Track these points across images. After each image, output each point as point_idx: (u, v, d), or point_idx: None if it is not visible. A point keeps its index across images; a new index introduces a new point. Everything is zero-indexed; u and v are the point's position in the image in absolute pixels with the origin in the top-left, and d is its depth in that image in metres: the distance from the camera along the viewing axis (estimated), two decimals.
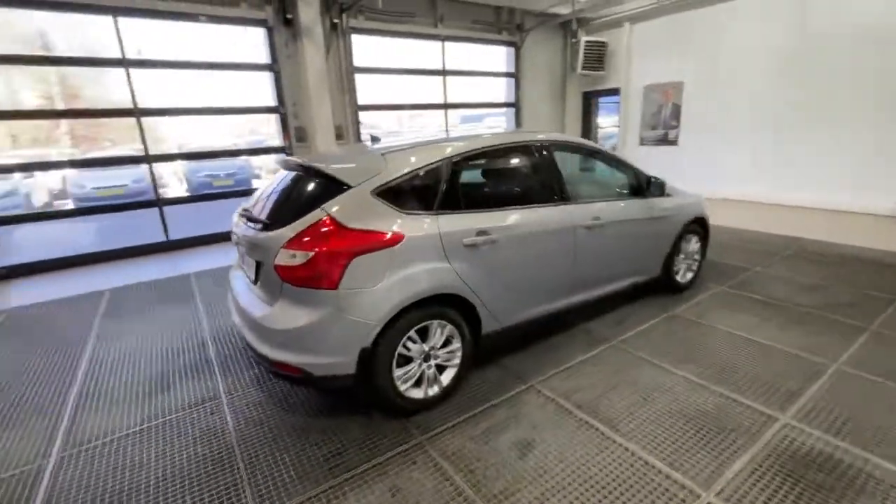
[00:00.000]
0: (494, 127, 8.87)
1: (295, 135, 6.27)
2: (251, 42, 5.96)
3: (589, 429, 2.26)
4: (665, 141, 7.57)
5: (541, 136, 2.94)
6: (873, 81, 5.12)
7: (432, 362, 2.42)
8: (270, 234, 2.18)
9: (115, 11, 4.96)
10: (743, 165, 6.47)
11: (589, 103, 9.05)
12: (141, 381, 2.85)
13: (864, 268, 4.49)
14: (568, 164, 3.10)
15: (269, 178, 2.78)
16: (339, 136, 6.48)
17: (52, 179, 8.56)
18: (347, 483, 1.97)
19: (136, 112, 5.32)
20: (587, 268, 3.05)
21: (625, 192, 3.43)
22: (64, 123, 7.29)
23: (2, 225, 5.02)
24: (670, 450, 2.09)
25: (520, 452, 2.11)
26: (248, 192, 5.64)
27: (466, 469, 2.02)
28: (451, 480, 1.96)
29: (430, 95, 7.63)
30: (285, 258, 2.07)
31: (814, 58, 5.55)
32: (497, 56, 8.30)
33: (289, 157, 2.73)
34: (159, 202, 5.72)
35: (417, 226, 2.26)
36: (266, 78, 6.12)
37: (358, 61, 6.64)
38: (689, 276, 3.95)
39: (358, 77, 6.69)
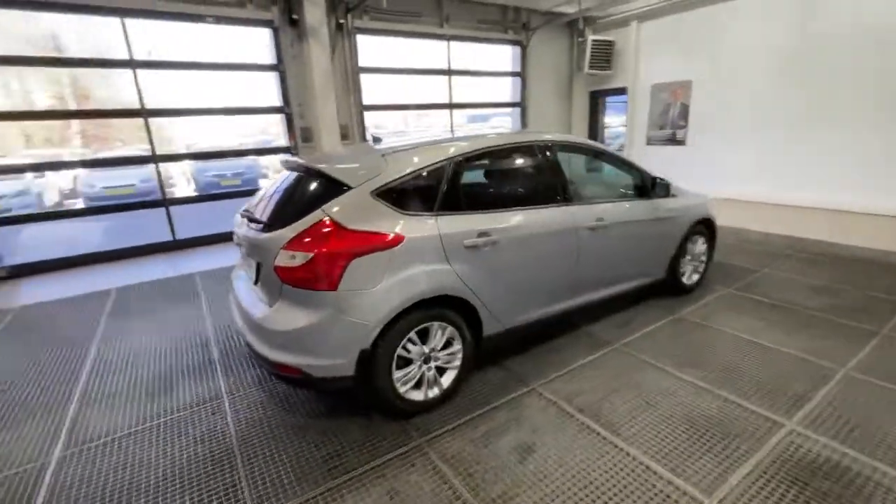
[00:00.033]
0: (500, 127, 8.84)
1: (300, 135, 6.29)
2: (257, 42, 5.99)
3: (590, 433, 2.23)
4: (673, 141, 7.48)
5: (543, 137, 2.92)
6: (884, 81, 5.03)
7: (432, 364, 2.41)
8: (270, 234, 2.18)
9: (123, 13, 5.01)
10: (753, 165, 6.38)
11: (596, 103, 8.98)
12: (144, 380, 2.87)
13: (871, 269, 4.41)
14: (572, 164, 3.07)
15: (276, 177, 2.78)
16: (344, 137, 6.49)
17: (64, 179, 8.69)
18: (345, 485, 1.97)
19: (144, 112, 5.37)
20: (590, 270, 3.02)
21: (629, 192, 3.40)
22: (75, 123, 7.40)
23: (13, 224, 5.10)
24: (673, 455, 2.06)
25: (519, 456, 2.09)
26: (255, 192, 5.66)
27: (465, 472, 2.01)
28: (449, 484, 1.95)
29: (435, 95, 7.62)
30: (285, 259, 2.07)
31: (822, 57, 5.46)
32: (503, 55, 8.27)
33: (290, 158, 2.73)
34: (166, 202, 5.77)
35: (418, 227, 2.25)
36: (272, 78, 6.14)
37: (363, 61, 6.65)
38: (696, 277, 3.90)
39: (363, 77, 6.70)
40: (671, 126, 7.46)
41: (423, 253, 2.25)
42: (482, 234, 2.43)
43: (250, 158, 8.32)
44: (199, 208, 6.13)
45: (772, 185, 6.12)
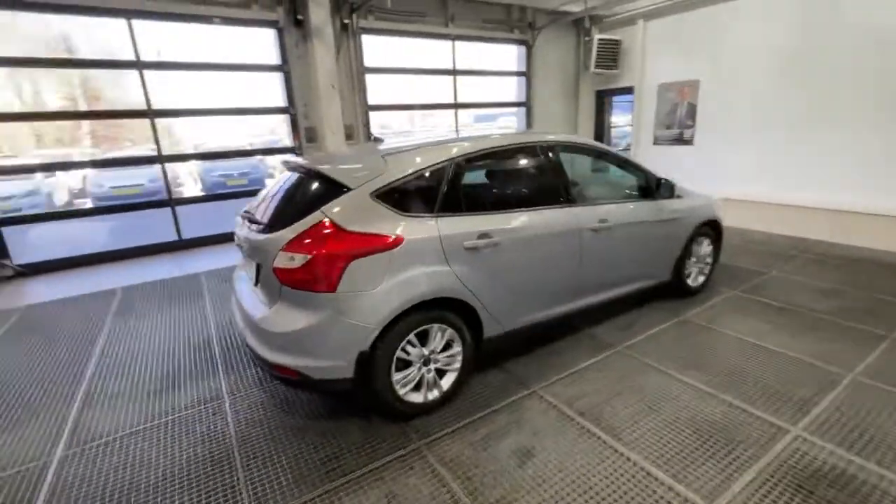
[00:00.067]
0: (506, 126, 8.81)
1: (305, 135, 6.31)
2: (262, 43, 6.01)
3: (591, 437, 2.21)
4: (680, 140, 7.41)
5: (544, 137, 2.89)
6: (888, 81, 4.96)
7: (432, 366, 2.39)
8: (269, 236, 2.18)
9: (130, 14, 5.05)
10: (760, 165, 6.30)
11: (602, 102, 8.92)
12: (147, 379, 2.89)
13: (878, 271, 4.33)
14: (575, 165, 3.05)
15: (278, 178, 2.78)
16: (349, 137, 6.50)
17: (73, 178, 8.79)
18: (343, 488, 1.96)
19: (150, 113, 5.42)
20: (593, 271, 2.99)
21: (634, 193, 3.36)
22: (85, 124, 7.48)
23: (21, 224, 5.16)
24: (674, 461, 2.03)
25: (519, 460, 2.08)
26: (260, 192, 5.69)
27: (464, 476, 2.00)
28: (447, 488, 1.94)
29: (440, 95, 7.61)
30: (283, 261, 2.07)
31: (827, 57, 5.39)
32: (508, 55, 8.23)
33: (290, 159, 2.73)
34: (171, 202, 5.81)
35: (417, 228, 2.23)
36: (276, 79, 6.16)
37: (368, 61, 6.65)
38: (701, 279, 3.85)
39: (368, 77, 6.70)
40: (678, 126, 7.39)
41: (423, 254, 2.24)
42: (483, 235, 2.41)
43: (256, 158, 8.35)
44: (204, 208, 6.17)
45: (780, 186, 6.05)
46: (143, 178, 7.37)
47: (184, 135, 8.67)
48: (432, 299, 2.27)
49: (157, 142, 5.51)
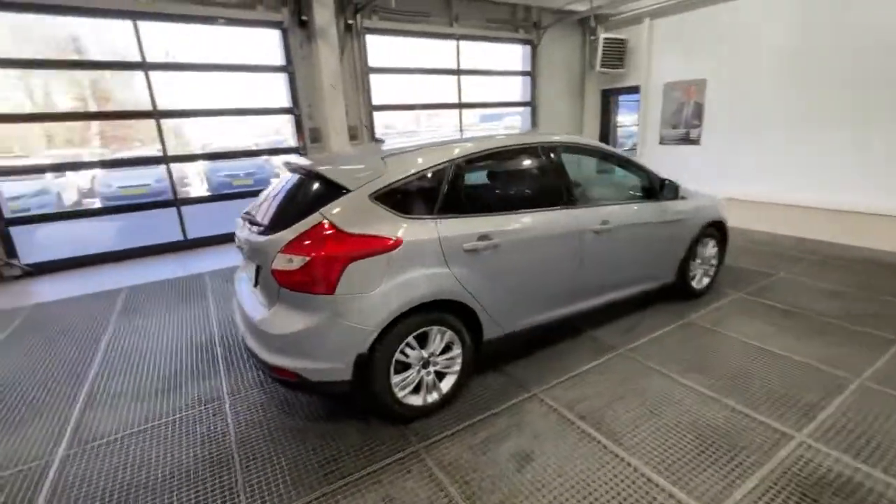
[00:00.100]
0: (512, 126, 8.79)
1: (309, 135, 6.32)
2: (267, 44, 6.03)
3: (591, 441, 2.18)
4: (687, 140, 7.34)
5: (545, 138, 2.87)
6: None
7: (431, 369, 2.38)
8: (268, 237, 2.18)
9: (135, 16, 5.08)
10: (770, 166, 6.22)
11: (608, 101, 8.86)
12: (149, 379, 2.90)
13: (889, 274, 4.26)
14: (577, 166, 3.02)
15: (280, 178, 2.78)
16: (353, 137, 6.50)
17: (82, 178, 8.90)
18: (341, 491, 1.95)
19: (156, 114, 5.44)
20: (595, 273, 2.96)
21: (637, 194, 3.33)
22: (94, 124, 7.57)
23: (30, 224, 5.22)
24: (675, 467, 2.00)
25: (518, 464, 2.06)
26: None
27: (462, 480, 1.98)
28: (445, 492, 1.92)
29: (445, 95, 7.59)
30: (282, 263, 2.06)
31: (839, 55, 5.30)
32: (513, 54, 8.20)
33: (291, 160, 2.73)
34: (177, 202, 5.84)
35: (416, 230, 2.22)
36: (281, 79, 6.18)
37: (372, 62, 6.65)
38: (706, 281, 3.80)
39: (372, 77, 6.70)
40: (685, 125, 7.32)
41: (422, 256, 2.22)
42: (482, 237, 2.39)
43: (262, 158, 8.41)
44: (210, 208, 6.20)
45: (788, 186, 5.97)
46: (149, 179, 7.45)
47: (192, 135, 8.76)
48: (431, 301, 2.25)
49: (162, 142, 5.54)
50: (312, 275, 2.03)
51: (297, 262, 2.03)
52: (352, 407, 2.51)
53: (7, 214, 5.00)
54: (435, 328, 2.32)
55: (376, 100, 6.81)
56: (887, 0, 4.85)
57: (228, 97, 6.01)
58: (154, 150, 5.61)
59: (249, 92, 6.14)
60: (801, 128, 5.77)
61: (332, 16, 5.82)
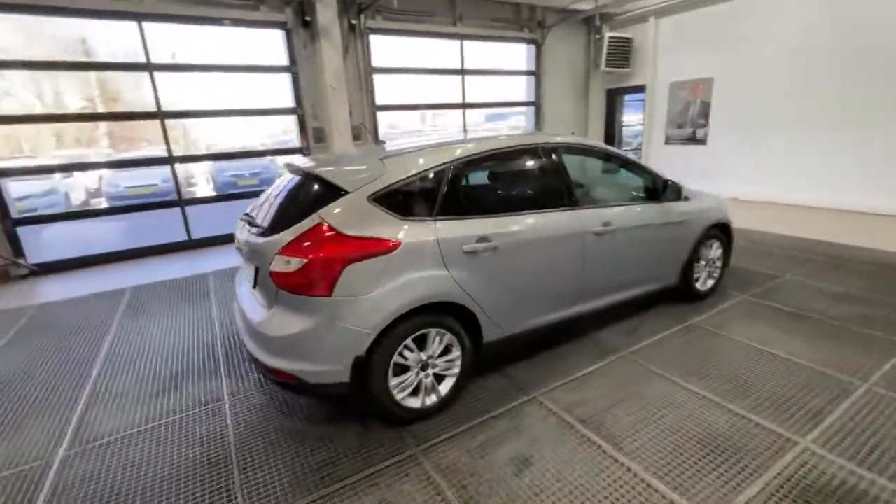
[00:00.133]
0: (517, 126, 8.75)
1: (313, 135, 6.33)
2: (270, 44, 6.04)
3: (590, 445, 2.16)
4: (693, 140, 7.28)
5: (545, 139, 2.84)
6: None
7: (430, 371, 2.37)
8: (266, 239, 2.18)
9: (140, 17, 5.11)
10: (778, 166, 6.14)
11: (613, 101, 8.80)
12: (150, 380, 2.92)
13: None
14: (578, 167, 2.99)
15: (281, 180, 2.78)
16: (356, 137, 6.50)
17: (90, 178, 8.98)
18: (338, 493, 1.95)
19: (160, 115, 5.48)
20: (597, 275, 2.93)
21: (639, 196, 3.29)
22: (102, 125, 7.63)
23: (36, 224, 5.27)
24: (676, 472, 1.97)
25: (516, 469, 2.04)
26: None
27: (459, 484, 1.97)
28: (442, 496, 1.91)
29: (448, 95, 7.57)
30: (280, 265, 2.06)
31: (853, 54, 5.22)
32: (517, 54, 8.16)
33: (292, 161, 2.73)
34: (181, 202, 5.88)
35: (415, 232, 2.21)
36: (285, 79, 6.19)
37: (376, 61, 6.64)
38: (710, 283, 3.76)
39: (376, 77, 6.70)
40: (691, 125, 7.26)
41: (421, 259, 2.21)
42: (482, 239, 2.37)
43: (268, 158, 8.43)
44: (216, 208, 6.23)
45: (797, 186, 5.91)
46: (156, 178, 7.50)
47: (199, 135, 8.81)
48: (430, 304, 2.24)
49: (167, 142, 5.58)
50: (310, 277, 2.02)
51: (294, 263, 2.03)
52: (351, 409, 2.50)
53: (14, 214, 5.06)
54: (434, 330, 2.31)
55: (380, 100, 6.81)
56: (887, 0, 4.78)
57: (233, 98, 6.04)
58: (160, 151, 5.64)
59: (253, 92, 6.16)
60: (813, 126, 5.68)
61: (336, 16, 5.82)
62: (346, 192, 2.17)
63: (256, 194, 2.85)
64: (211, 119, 6.07)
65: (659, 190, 3.25)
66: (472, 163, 2.50)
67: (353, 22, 6.24)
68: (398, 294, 2.14)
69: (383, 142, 2.91)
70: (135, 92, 5.85)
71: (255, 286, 2.39)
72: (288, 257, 2.04)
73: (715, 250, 3.71)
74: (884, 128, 5.06)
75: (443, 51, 7.28)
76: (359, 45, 6.39)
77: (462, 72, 7.48)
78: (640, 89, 7.96)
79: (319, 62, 5.91)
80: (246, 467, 2.12)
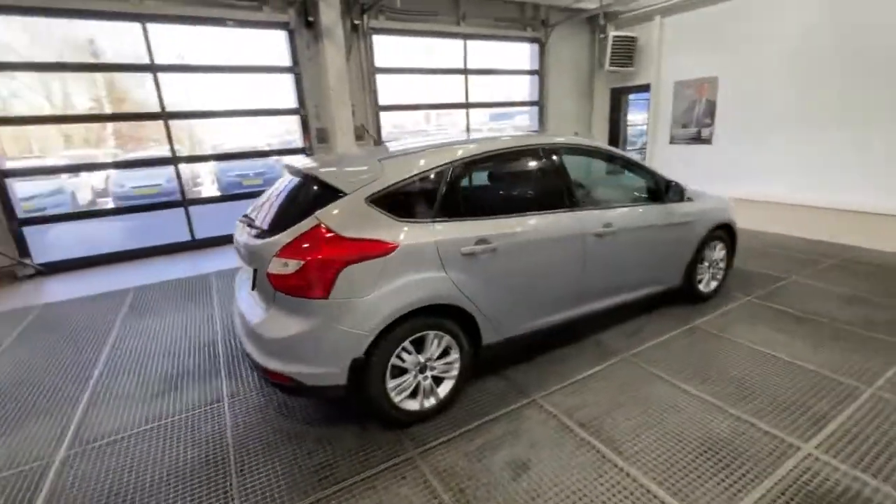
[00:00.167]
0: (521, 126, 8.72)
1: (316, 136, 6.34)
2: (274, 45, 6.06)
3: (589, 450, 2.14)
4: (698, 139, 7.21)
5: (547, 140, 2.82)
6: None
7: (429, 373, 2.36)
8: (264, 241, 2.18)
9: (144, 18, 5.14)
10: (785, 165, 6.06)
11: (618, 100, 8.74)
12: (151, 380, 2.93)
13: None
14: (579, 168, 2.97)
15: (280, 181, 2.78)
16: (359, 137, 6.50)
17: (97, 178, 9.05)
18: (335, 496, 1.94)
19: (164, 115, 5.50)
20: (598, 277, 2.91)
21: (641, 197, 3.26)
22: (109, 125, 7.69)
23: (42, 223, 5.32)
24: (676, 477, 1.95)
25: (514, 473, 2.02)
26: None
27: (456, 488, 1.96)
28: (439, 499, 1.90)
29: (452, 94, 7.55)
30: (277, 266, 2.06)
31: (854, 52, 5.15)
32: (521, 53, 8.13)
33: (292, 163, 2.72)
34: (185, 202, 5.90)
35: (413, 234, 2.20)
36: (288, 80, 6.20)
37: (379, 62, 6.64)
38: (714, 285, 3.72)
39: (379, 77, 6.69)
40: (696, 124, 7.19)
41: (419, 261, 2.20)
42: (480, 241, 2.36)
43: (273, 158, 8.45)
44: (220, 208, 6.25)
45: (803, 186, 5.82)
46: (161, 178, 7.54)
47: (204, 136, 8.85)
48: (428, 306, 2.23)
49: (170, 143, 5.60)
50: (307, 279, 2.02)
51: (292, 265, 2.02)
52: (350, 411, 2.50)
53: (20, 215, 5.10)
54: (432, 333, 2.30)
55: (383, 100, 6.81)
56: (887, 0, 4.71)
57: (236, 98, 6.06)
58: (165, 151, 5.67)
59: (257, 93, 6.18)
60: (820, 125, 5.60)
61: (339, 16, 5.82)
62: (344, 194, 2.17)
63: (260, 194, 2.85)
64: (215, 120, 6.08)
65: (661, 191, 3.22)
66: (470, 164, 2.48)
67: (356, 22, 6.24)
68: (396, 296, 2.13)
69: (384, 142, 2.90)
70: (142, 92, 5.88)
71: (253, 288, 2.39)
72: (285, 259, 2.04)
73: (718, 252, 3.67)
74: (884, 128, 5.00)
75: (446, 50, 7.27)
76: (362, 45, 6.39)
77: (465, 71, 7.45)
78: (644, 88, 7.90)
79: (322, 62, 5.92)
80: (244, 469, 2.12)
